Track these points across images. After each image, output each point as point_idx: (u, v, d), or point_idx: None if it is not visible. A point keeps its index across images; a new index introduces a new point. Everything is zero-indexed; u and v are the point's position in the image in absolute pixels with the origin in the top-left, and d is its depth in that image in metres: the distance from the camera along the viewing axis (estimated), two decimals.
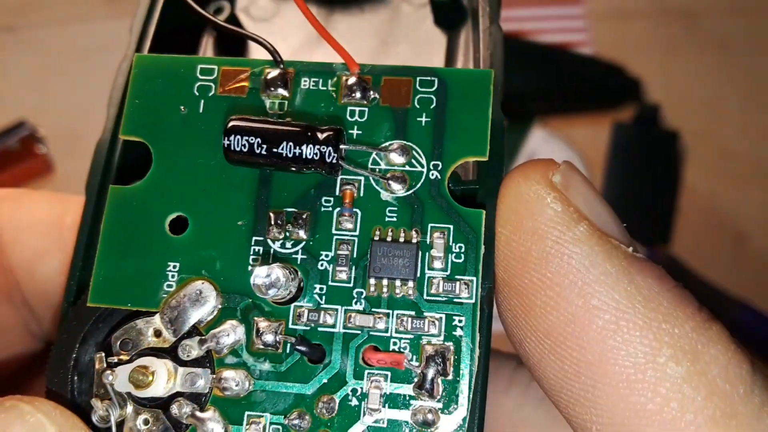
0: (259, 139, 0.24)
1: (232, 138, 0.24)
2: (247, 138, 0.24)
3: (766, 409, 0.20)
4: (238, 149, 0.24)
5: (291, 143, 0.24)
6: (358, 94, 0.26)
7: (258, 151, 0.24)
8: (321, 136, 0.24)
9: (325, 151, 0.24)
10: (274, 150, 0.24)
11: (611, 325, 0.20)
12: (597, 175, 0.83)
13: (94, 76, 0.91)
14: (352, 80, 0.26)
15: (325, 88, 0.26)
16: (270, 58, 0.26)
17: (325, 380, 0.24)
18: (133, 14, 0.31)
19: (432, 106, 0.25)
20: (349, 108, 0.26)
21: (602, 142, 0.83)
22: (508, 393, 0.29)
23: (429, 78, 0.26)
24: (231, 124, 0.24)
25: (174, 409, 0.23)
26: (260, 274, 0.23)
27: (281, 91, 0.26)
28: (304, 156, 0.24)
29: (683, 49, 0.87)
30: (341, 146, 0.24)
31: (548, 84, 0.85)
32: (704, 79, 0.85)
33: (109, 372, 0.23)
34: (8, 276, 0.28)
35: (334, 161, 0.24)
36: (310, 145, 0.24)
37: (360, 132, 0.25)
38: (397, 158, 0.25)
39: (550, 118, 0.85)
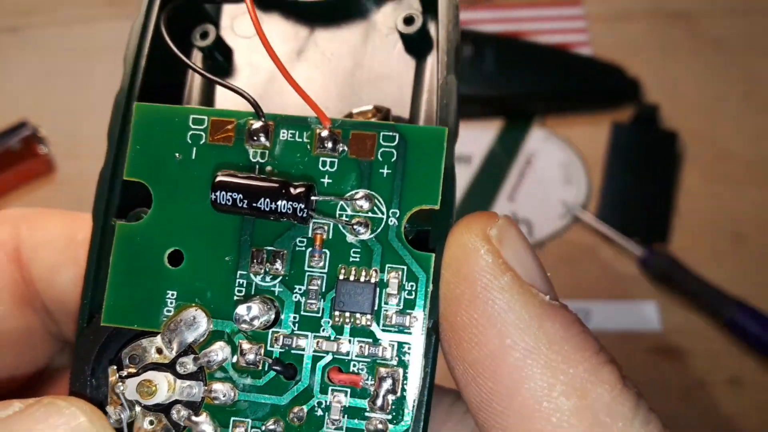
0: (240, 195, 0.28)
1: (218, 193, 0.28)
2: (230, 194, 0.28)
3: None
4: (222, 203, 0.28)
5: (268, 199, 0.28)
6: (329, 145, 0.29)
7: (240, 205, 0.28)
8: (294, 192, 0.28)
9: (296, 207, 0.28)
10: (254, 204, 0.28)
11: (520, 362, 0.25)
12: (596, 175, 0.85)
13: (95, 76, 0.93)
14: (324, 133, 0.29)
15: (301, 140, 0.30)
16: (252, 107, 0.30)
17: (296, 394, 0.29)
18: (126, 45, 0.33)
19: (393, 159, 0.29)
20: (321, 158, 0.30)
21: (601, 142, 0.84)
22: (445, 424, 0.33)
23: (391, 134, 0.29)
24: (217, 180, 0.29)
25: (174, 413, 0.29)
26: (241, 312, 0.28)
27: (263, 141, 0.30)
28: (279, 210, 0.28)
29: (681, 50, 0.88)
30: (312, 198, 0.28)
31: (548, 84, 0.86)
32: (702, 80, 0.86)
33: (120, 383, 0.29)
34: (29, 286, 0.33)
35: (305, 215, 0.28)
36: (284, 201, 0.28)
37: (330, 180, 0.29)
38: (361, 205, 0.29)
39: (549, 118, 0.86)
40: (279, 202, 0.28)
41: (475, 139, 0.86)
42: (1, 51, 0.94)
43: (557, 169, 0.85)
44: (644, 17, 0.90)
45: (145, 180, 0.30)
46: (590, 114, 0.86)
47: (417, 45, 0.35)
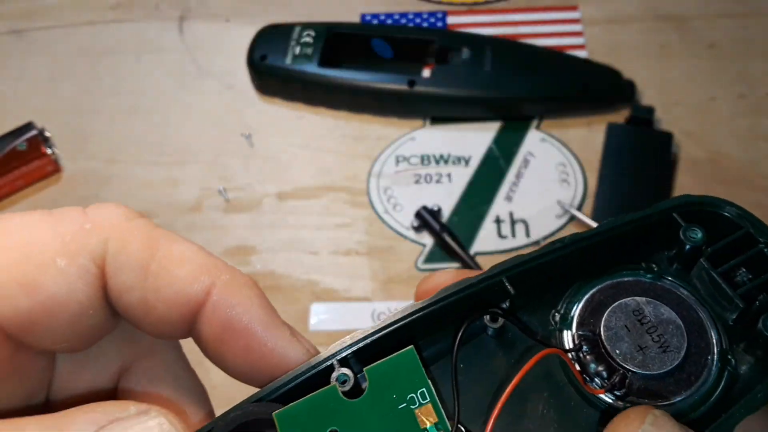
0: None
1: None
2: None
3: None
4: None
5: None
6: None
7: None
8: None
9: None
10: None
11: None
12: (592, 176, 0.86)
13: (99, 78, 0.95)
14: None
15: None
16: None
17: None
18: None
19: None
20: None
21: (597, 144, 0.85)
22: None
23: None
24: None
25: None
26: None
27: None
28: None
29: (676, 52, 0.89)
30: None
31: (545, 87, 0.87)
32: (696, 82, 0.87)
33: None
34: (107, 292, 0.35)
35: None
36: None
37: None
38: None
39: (546, 120, 0.87)
40: None
41: (473, 141, 0.88)
42: (7, 53, 0.96)
43: (554, 170, 0.87)
44: (639, 21, 0.91)
45: None
46: (586, 116, 0.87)
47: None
